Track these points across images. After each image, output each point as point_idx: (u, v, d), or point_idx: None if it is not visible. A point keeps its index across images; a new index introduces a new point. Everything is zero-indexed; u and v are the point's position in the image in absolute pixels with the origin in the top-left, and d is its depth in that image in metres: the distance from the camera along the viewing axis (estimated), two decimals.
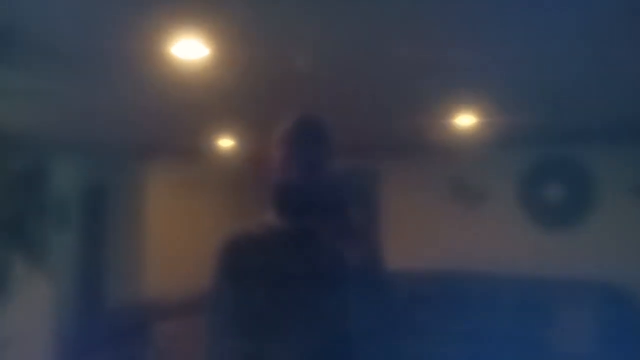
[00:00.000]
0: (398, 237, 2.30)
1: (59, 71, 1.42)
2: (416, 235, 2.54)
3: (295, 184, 0.84)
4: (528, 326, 1.90)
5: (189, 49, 1.32)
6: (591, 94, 1.65)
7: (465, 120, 1.99)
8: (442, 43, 1.28)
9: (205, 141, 2.38)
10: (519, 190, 2.51)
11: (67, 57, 1.39)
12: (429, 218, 2.65)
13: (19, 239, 1.18)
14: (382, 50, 1.34)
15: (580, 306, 1.84)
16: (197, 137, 2.29)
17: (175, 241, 2.65)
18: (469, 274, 2.17)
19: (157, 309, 2.13)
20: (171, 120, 1.98)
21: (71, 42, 1.30)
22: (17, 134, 1.44)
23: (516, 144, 2.44)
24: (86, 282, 2.23)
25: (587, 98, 1.70)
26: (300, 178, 0.84)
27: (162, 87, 1.60)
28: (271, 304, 0.79)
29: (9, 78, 1.31)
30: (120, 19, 1.17)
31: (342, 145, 0.88)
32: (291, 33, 1.26)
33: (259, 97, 1.69)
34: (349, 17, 1.19)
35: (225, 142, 2.45)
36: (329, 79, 1.56)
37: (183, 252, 2.68)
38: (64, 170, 2.01)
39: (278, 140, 0.87)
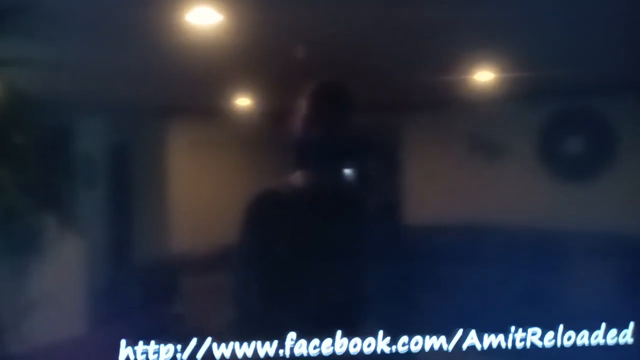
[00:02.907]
0: (418, 191, 2.30)
1: (80, 39, 1.44)
2: (436, 189, 2.51)
3: (318, 142, 0.87)
4: (546, 278, 1.89)
5: (206, 14, 1.35)
6: (611, 45, 1.61)
7: (483, 75, 1.96)
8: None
9: (224, 101, 2.38)
10: (539, 144, 2.45)
11: (87, 25, 1.41)
12: (449, 172, 2.61)
13: (48, 201, 1.22)
14: (401, 8, 1.33)
15: (600, 259, 1.81)
16: (215, 98, 2.29)
17: (200, 198, 2.66)
18: (488, 226, 2.15)
19: (183, 265, 2.15)
20: (190, 82, 1.98)
21: (92, 12, 1.33)
22: (42, 99, 1.47)
23: (535, 97, 2.37)
24: (115, 239, 2.26)
25: (607, 49, 1.67)
26: (323, 136, 0.87)
27: (179, 52, 1.61)
28: (295, 259, 0.83)
29: (31, 47, 1.33)
30: None
31: (363, 103, 0.92)
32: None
33: (277, 58, 1.69)
34: None
35: (244, 102, 2.45)
36: (346, 38, 1.56)
37: (208, 209, 2.70)
38: (90, 132, 2.03)
39: (300, 101, 0.90)
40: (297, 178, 0.87)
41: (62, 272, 1.39)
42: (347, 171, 0.88)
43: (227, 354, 0.82)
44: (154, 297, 0.96)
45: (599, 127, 2.09)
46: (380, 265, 0.84)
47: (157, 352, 0.79)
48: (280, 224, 0.85)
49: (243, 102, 2.08)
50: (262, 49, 1.66)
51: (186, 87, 1.90)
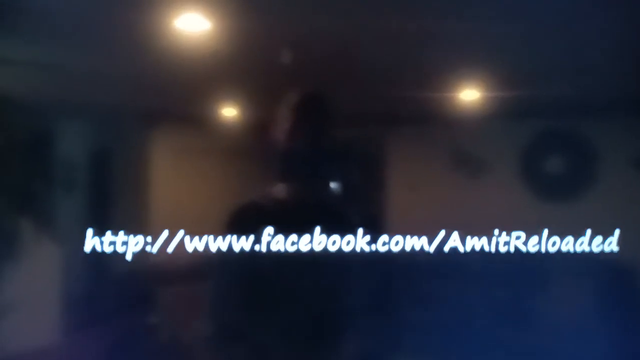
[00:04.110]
0: (400, 207, 2.29)
1: (63, 40, 1.40)
2: (418, 205, 2.48)
3: (301, 155, 0.85)
4: (528, 298, 1.89)
5: (191, 22, 1.28)
6: (593, 65, 1.61)
7: (467, 93, 1.96)
8: (445, 16, 1.23)
9: (208, 109, 2.34)
10: (521, 162, 2.43)
11: (71, 27, 1.37)
12: (431, 188, 2.57)
13: (26, 204, 1.18)
14: (387, 22, 1.29)
15: (581, 279, 1.82)
16: (199, 106, 2.25)
17: (180, 207, 2.58)
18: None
19: (162, 274, 2.10)
20: (175, 89, 1.97)
21: (76, 14, 1.29)
22: (22, 101, 1.42)
23: (518, 116, 2.36)
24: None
25: (589, 70, 1.66)
26: (305, 149, 0.85)
27: (166, 58, 1.60)
28: (275, 272, 0.81)
29: (12, 46, 1.28)
30: None
31: (346, 116, 0.90)
32: (291, 6, 1.22)
33: (261, 68, 1.67)
34: None
35: (228, 111, 2.39)
36: (331, 50, 1.54)
37: (188, 217, 2.63)
38: (70, 136, 1.95)
39: (282, 113, 0.87)
40: (279, 190, 0.84)
41: (38, 280, 1.35)
42: (330, 184, 0.86)
43: (200, 248, 0.78)
44: (130, 306, 0.93)
45: (581, 147, 2.04)
46: (357, 279, 0.83)
47: (125, 243, 0.76)
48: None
49: (227, 111, 2.06)
50: (248, 58, 1.62)
51: (170, 93, 1.88)
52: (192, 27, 1.36)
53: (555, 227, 1.78)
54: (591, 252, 0.97)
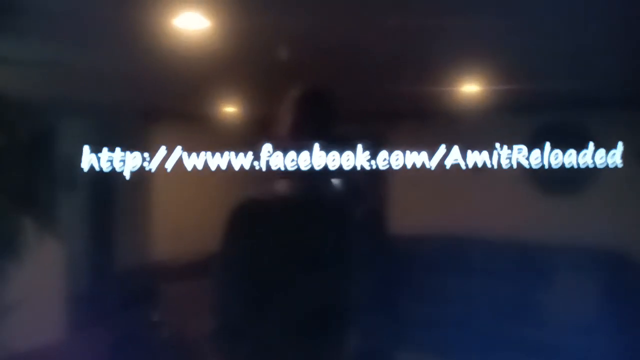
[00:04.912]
0: (402, 201, 2.22)
1: (63, 39, 1.35)
2: (420, 199, 2.42)
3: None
4: (530, 292, 1.86)
5: (191, 20, 1.24)
6: (594, 58, 1.53)
7: (469, 87, 1.89)
8: (446, 11, 1.17)
9: (209, 107, 2.26)
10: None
11: (71, 26, 1.32)
12: (432, 182, 2.50)
13: (28, 204, 1.17)
14: (388, 18, 1.21)
15: (583, 273, 1.79)
16: (200, 103, 2.17)
17: (182, 205, 2.50)
18: (471, 238, 2.07)
19: (165, 272, 2.05)
20: (175, 88, 1.93)
21: (76, 12, 1.23)
22: (22, 100, 1.39)
23: (519, 110, 2.29)
24: (95, 245, 2.13)
25: (590, 63, 1.59)
26: (307, 145, 0.82)
27: (165, 57, 1.55)
28: (278, 267, 0.80)
29: (12, 46, 1.23)
30: None
31: (347, 111, 0.88)
32: (291, 4, 1.17)
33: (261, 66, 1.61)
34: None
35: (229, 108, 2.30)
36: (332, 47, 1.48)
37: (190, 216, 2.55)
38: (71, 135, 1.87)
39: (284, 109, 0.86)
40: (281, 186, 0.83)
41: (41, 279, 1.35)
42: (332, 179, 0.84)
43: (199, 165, 0.78)
44: (133, 304, 0.92)
45: (582, 141, 1.93)
46: (360, 272, 0.83)
47: (123, 160, 0.76)
48: (263, 233, 0.82)
49: (228, 108, 1.97)
50: (249, 56, 1.55)
51: (171, 91, 1.82)
52: (192, 25, 1.27)
53: (559, 222, 1.73)
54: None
